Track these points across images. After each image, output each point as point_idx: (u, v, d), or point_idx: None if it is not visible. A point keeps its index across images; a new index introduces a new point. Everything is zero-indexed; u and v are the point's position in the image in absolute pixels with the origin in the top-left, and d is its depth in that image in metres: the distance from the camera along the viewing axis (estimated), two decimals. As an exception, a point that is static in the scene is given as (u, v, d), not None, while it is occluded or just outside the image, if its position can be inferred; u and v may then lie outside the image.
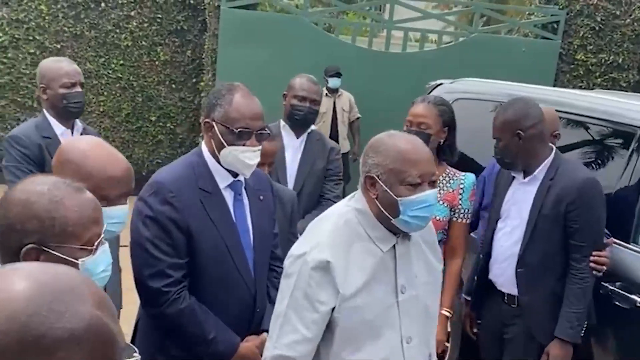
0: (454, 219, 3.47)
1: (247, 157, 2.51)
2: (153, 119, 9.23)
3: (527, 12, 9.53)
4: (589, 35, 8.73)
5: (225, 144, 2.50)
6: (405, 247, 2.27)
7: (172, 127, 9.30)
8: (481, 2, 8.97)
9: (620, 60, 8.78)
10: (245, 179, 2.64)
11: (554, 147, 3.37)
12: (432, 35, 9.92)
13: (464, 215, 3.48)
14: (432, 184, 2.20)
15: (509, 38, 9.26)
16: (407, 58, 8.55)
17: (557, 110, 3.90)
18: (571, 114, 4.12)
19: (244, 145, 2.49)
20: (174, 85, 9.16)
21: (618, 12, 8.67)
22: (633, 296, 3.26)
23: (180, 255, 2.48)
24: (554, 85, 8.66)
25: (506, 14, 10.37)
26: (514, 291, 3.35)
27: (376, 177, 2.18)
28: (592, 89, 8.46)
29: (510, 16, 9.98)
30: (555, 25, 8.67)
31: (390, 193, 2.15)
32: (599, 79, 8.82)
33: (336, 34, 8.94)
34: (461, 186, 3.46)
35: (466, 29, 8.94)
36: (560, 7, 8.65)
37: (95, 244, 1.68)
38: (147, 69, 9.08)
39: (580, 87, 8.60)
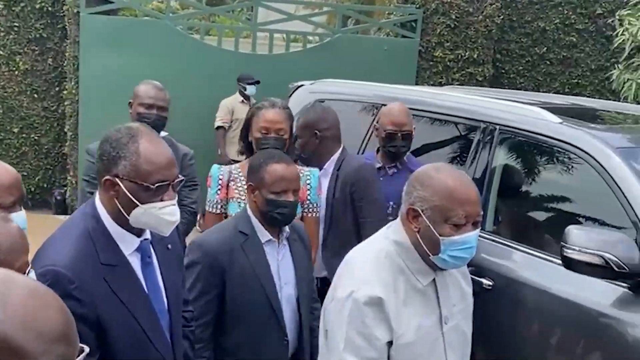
0: (305, 213, 3.61)
1: (168, 213, 2.14)
2: (15, 130, 8.91)
3: (387, 12, 9.86)
4: (446, 33, 9.14)
5: (138, 203, 2.10)
6: (442, 277, 2.24)
7: (36, 137, 9.00)
8: (343, 4, 9.20)
9: (475, 56, 9.25)
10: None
11: (342, 145, 3.89)
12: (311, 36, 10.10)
13: (313, 209, 3.64)
14: (476, 225, 2.14)
15: (371, 38, 9.56)
16: (274, 59, 8.65)
17: (415, 109, 4.18)
18: (421, 110, 4.33)
19: (161, 200, 2.13)
20: (36, 95, 8.87)
21: (471, 9, 9.12)
22: (482, 279, 3.49)
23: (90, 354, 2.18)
24: (416, 82, 9.02)
25: (374, 15, 10.66)
26: (324, 274, 3.67)
27: (420, 211, 2.12)
28: (451, 84, 8.87)
29: (373, 17, 10.26)
30: (414, 24, 9.02)
31: (433, 230, 2.10)
32: (457, 75, 9.25)
33: (201, 37, 8.92)
34: (308, 182, 3.60)
35: (329, 29, 9.15)
36: (417, 6, 9.01)
37: (26, 272, 1.69)
38: (6, 79, 8.76)
39: (440, 83, 8.98)
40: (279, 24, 8.89)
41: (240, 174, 3.50)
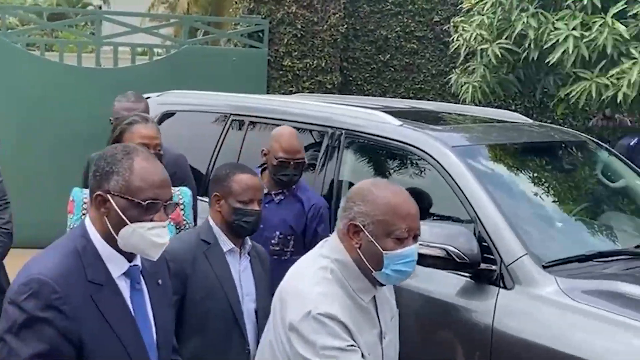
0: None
1: (156, 234, 2.04)
2: None
3: (233, 23, 9.89)
4: (293, 42, 9.28)
5: (128, 221, 2.01)
6: (381, 292, 2.24)
7: None
8: (190, 15, 9.12)
9: (323, 64, 9.45)
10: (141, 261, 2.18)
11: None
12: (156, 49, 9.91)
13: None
14: (415, 239, 2.16)
15: (219, 48, 9.56)
16: (119, 73, 8.44)
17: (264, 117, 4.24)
18: (272, 118, 4.39)
19: (151, 220, 2.04)
20: None
21: (316, 19, 9.32)
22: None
23: None
24: (267, 91, 9.10)
25: (222, 26, 10.65)
26: None
27: (361, 226, 2.11)
28: (302, 92, 9.02)
29: (222, 28, 10.26)
30: (261, 35, 9.10)
31: (376, 245, 2.10)
32: (307, 83, 9.41)
33: (41, 53, 8.56)
34: (181, 201, 3.47)
35: (176, 41, 9.07)
36: (263, 16, 9.10)
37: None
38: None
39: (290, 92, 9.10)
40: (124, 37, 8.69)
41: None
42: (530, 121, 4.62)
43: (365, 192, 2.15)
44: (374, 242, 2.09)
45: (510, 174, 3.84)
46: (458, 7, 8.59)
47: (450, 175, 3.45)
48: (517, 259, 3.19)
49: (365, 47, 10.22)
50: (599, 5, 6.42)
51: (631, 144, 6.76)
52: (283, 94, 8.93)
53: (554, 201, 3.84)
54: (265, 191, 3.59)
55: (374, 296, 2.21)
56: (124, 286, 2.09)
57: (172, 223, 3.36)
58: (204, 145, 4.59)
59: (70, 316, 1.92)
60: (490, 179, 3.55)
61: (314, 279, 2.12)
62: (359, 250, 2.12)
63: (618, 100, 6.25)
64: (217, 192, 2.99)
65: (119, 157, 2.06)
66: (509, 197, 3.61)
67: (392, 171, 3.90)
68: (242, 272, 2.97)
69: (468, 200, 3.37)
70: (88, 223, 2.09)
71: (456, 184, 3.42)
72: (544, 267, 3.18)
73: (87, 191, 3.28)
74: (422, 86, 10.48)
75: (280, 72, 9.32)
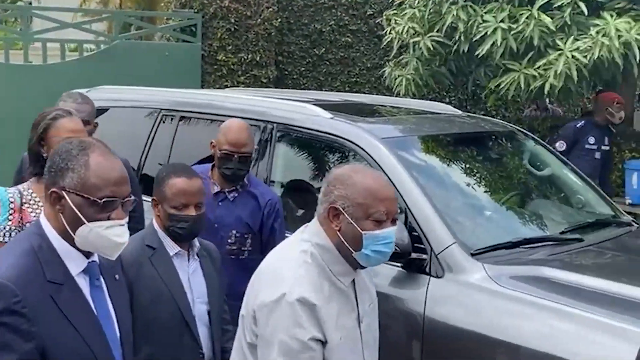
0: None
1: (115, 233, 1.99)
2: None
3: (165, 17, 9.77)
4: (226, 37, 9.23)
5: (85, 220, 1.95)
6: (359, 277, 2.30)
7: None
8: (122, 11, 8.97)
9: (258, 58, 9.42)
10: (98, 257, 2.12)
11: None
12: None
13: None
14: (394, 222, 2.24)
15: (151, 43, 9.44)
16: (48, 70, 8.24)
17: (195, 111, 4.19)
18: (206, 113, 4.35)
19: (109, 219, 1.98)
20: None
21: (249, 13, 9.28)
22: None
23: None
24: (202, 86, 9.03)
25: (156, 21, 10.50)
26: None
27: (341, 209, 2.18)
28: (237, 86, 8.98)
29: (156, 23, 10.12)
30: (194, 29, 9.01)
31: (356, 226, 2.16)
32: (242, 77, 9.37)
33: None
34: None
35: (107, 37, 8.90)
36: (196, 10, 9.01)
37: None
38: None
39: (225, 86, 9.04)
40: (55, 33, 8.49)
41: (34, 195, 3.08)
42: (461, 113, 4.70)
43: (345, 176, 2.22)
44: (354, 223, 2.16)
45: (440, 165, 3.91)
46: (390, 1, 8.67)
47: (380, 166, 3.48)
48: (446, 248, 3.25)
49: (300, 41, 10.24)
50: (525, -2, 6.57)
51: (578, 125, 6.99)
52: (218, 88, 8.88)
53: (483, 190, 3.93)
54: (218, 189, 3.56)
55: (354, 281, 2.27)
56: (83, 283, 2.03)
57: None
58: (135, 141, 4.53)
59: (32, 319, 1.85)
60: (420, 170, 3.61)
61: (293, 262, 2.19)
62: (339, 233, 2.19)
63: (545, 91, 6.42)
64: (154, 197, 2.92)
65: (74, 152, 1.99)
66: (439, 188, 3.67)
67: (324, 164, 3.92)
68: (191, 275, 2.88)
69: (398, 191, 3.40)
70: (43, 220, 2.02)
71: (386, 175, 3.45)
72: (472, 255, 3.25)
73: (12, 190, 3.15)
74: (358, 79, 10.56)
75: (215, 67, 9.26)
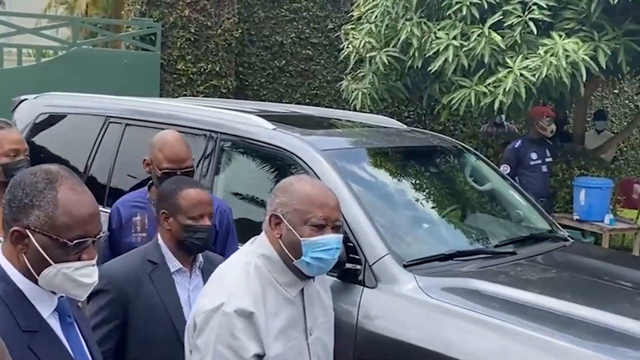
0: None
1: (84, 274, 1.80)
2: None
3: (125, 25, 9.77)
4: (186, 46, 9.27)
5: (51, 261, 1.75)
6: (309, 288, 2.28)
7: None
8: (77, 17, 8.96)
9: (218, 69, 9.47)
10: None
11: None
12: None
13: None
14: (336, 229, 2.22)
15: (111, 51, 9.44)
16: (5, 74, 8.19)
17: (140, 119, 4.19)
18: (151, 121, 4.37)
19: (79, 259, 1.78)
20: None
21: (209, 24, 9.33)
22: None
23: None
24: (160, 95, 9.03)
25: (119, 29, 10.47)
26: None
27: (281, 216, 2.19)
28: (197, 96, 9.00)
29: (120, 30, 10.11)
30: (153, 37, 9.03)
31: (294, 232, 2.17)
32: (201, 87, 9.41)
33: None
34: None
35: (66, 42, 8.88)
36: (155, 19, 9.03)
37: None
38: None
39: (184, 95, 9.07)
40: (14, 37, 8.45)
41: None
42: (405, 127, 4.79)
43: (286, 184, 2.26)
44: (292, 230, 2.17)
45: (379, 177, 3.97)
46: (350, 15, 8.77)
47: (319, 178, 3.52)
48: (380, 259, 3.30)
49: (261, 52, 10.31)
50: (477, 16, 6.70)
51: (516, 146, 7.18)
52: (176, 97, 8.89)
53: (421, 203, 3.99)
54: None
55: (302, 291, 2.26)
56: (55, 324, 1.85)
57: None
58: (82, 149, 4.53)
59: None
60: (358, 182, 3.67)
61: (235, 272, 2.19)
62: (280, 241, 2.20)
63: (495, 107, 6.56)
64: (165, 210, 2.80)
65: (40, 186, 1.76)
66: (376, 199, 3.73)
67: (265, 174, 3.96)
68: (192, 292, 2.78)
69: (335, 203, 3.46)
70: (3, 260, 1.80)
71: (324, 186, 3.51)
72: (405, 266, 3.31)
73: None
74: (318, 92, 10.65)
75: (174, 76, 9.28)
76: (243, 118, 3.99)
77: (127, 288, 2.69)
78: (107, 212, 4.18)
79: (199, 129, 4.07)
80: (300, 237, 2.17)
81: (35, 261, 1.75)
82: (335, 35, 10.21)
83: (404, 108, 11.49)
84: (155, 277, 2.73)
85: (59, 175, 1.80)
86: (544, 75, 6.27)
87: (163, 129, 4.26)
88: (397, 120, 11.16)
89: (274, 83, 10.43)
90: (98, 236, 1.82)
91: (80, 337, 1.93)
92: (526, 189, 7.13)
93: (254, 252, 2.24)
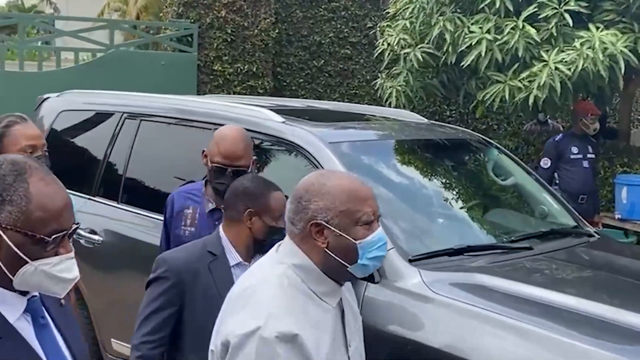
0: None
1: (65, 269, 1.69)
2: None
3: (162, 27, 9.86)
4: (223, 47, 9.29)
5: (28, 259, 1.64)
6: (343, 295, 2.07)
7: None
8: (115, 19, 9.08)
9: (254, 69, 9.47)
10: None
11: None
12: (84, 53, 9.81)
13: None
14: (378, 220, 2.02)
15: (148, 53, 9.51)
16: (43, 77, 8.35)
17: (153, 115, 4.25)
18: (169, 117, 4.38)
19: (56, 254, 1.68)
20: None
21: (246, 24, 9.34)
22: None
23: None
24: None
25: (160, 31, 10.59)
26: None
27: (324, 223, 1.93)
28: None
29: (148, 32, 10.22)
30: (190, 39, 9.08)
31: (347, 237, 1.92)
32: (238, 87, 9.43)
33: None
34: None
35: (104, 45, 9.01)
36: (192, 20, 9.08)
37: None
38: None
39: (221, 96, 9.11)
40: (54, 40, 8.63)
41: None
42: (426, 121, 4.65)
43: (317, 186, 1.97)
44: (343, 235, 1.93)
45: (390, 170, 3.85)
46: (385, 12, 8.65)
47: (323, 168, 3.46)
48: (384, 253, 3.20)
49: (299, 52, 10.27)
50: (512, 9, 6.51)
51: (556, 139, 6.97)
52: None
53: (435, 197, 3.87)
54: (213, 206, 3.21)
55: (341, 300, 2.04)
56: (25, 327, 1.72)
57: None
58: (100, 144, 4.55)
59: None
60: (366, 174, 3.56)
61: (269, 289, 1.92)
62: (327, 250, 1.94)
63: (530, 103, 6.36)
64: (252, 208, 2.79)
65: (9, 180, 1.64)
66: (385, 193, 3.62)
67: (273, 167, 3.89)
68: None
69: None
70: None
71: (330, 179, 3.43)
72: (410, 261, 3.20)
73: None
74: (357, 91, 10.56)
75: (211, 77, 9.32)
76: (252, 111, 3.94)
77: (185, 277, 2.73)
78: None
79: (208, 122, 4.03)
80: (355, 240, 1.93)
81: (9, 260, 1.63)
82: (375, 33, 10.10)
83: (446, 107, 11.30)
84: (214, 268, 2.76)
85: (27, 166, 1.67)
86: (580, 69, 6.04)
87: (175, 124, 4.28)
88: (438, 119, 11.08)
89: (313, 83, 10.38)
90: (72, 228, 1.71)
91: (58, 337, 1.80)
92: (566, 185, 6.98)
93: (283, 263, 1.97)
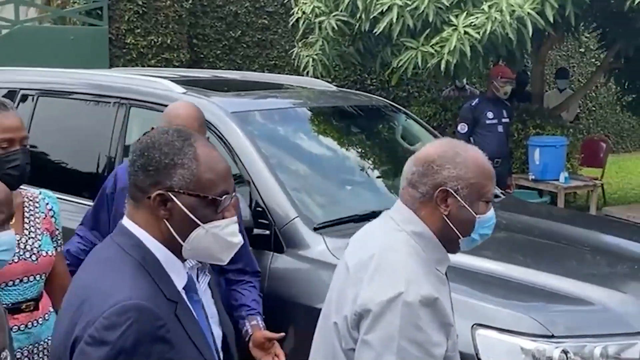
0: (58, 249, 2.75)
1: (231, 233, 1.71)
2: None
3: (71, 1, 9.52)
4: (135, 19, 9.03)
5: (200, 222, 1.65)
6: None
7: None
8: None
9: (169, 41, 9.24)
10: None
11: None
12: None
13: (61, 241, 2.80)
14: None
15: (56, 27, 9.18)
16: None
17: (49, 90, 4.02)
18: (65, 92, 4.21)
19: (223, 217, 1.69)
20: None
21: (158, -5, 9.09)
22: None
23: None
24: (111, 71, 8.83)
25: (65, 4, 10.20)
26: None
27: (453, 191, 1.89)
28: (149, 70, 8.80)
29: (56, 6, 9.85)
30: (100, 12, 8.79)
31: (469, 209, 1.90)
32: (153, 60, 9.19)
33: None
34: (49, 207, 2.74)
35: (8, 21, 8.64)
36: (101, -7, 8.80)
37: None
38: None
39: (135, 70, 8.87)
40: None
41: None
42: (334, 88, 4.62)
43: (451, 153, 1.94)
44: (467, 206, 1.90)
45: (295, 139, 3.82)
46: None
47: (227, 140, 3.39)
48: (289, 222, 3.18)
49: (215, 23, 10.08)
50: (421, -26, 6.50)
51: (472, 104, 7.01)
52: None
53: (340, 165, 3.85)
54: None
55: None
56: (186, 300, 1.74)
57: (46, 233, 2.68)
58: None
59: (174, 344, 1.59)
60: (270, 144, 3.53)
61: (401, 255, 1.89)
62: (446, 218, 1.92)
63: (442, 68, 6.40)
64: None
65: (178, 144, 1.65)
66: (290, 162, 3.59)
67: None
68: (203, 294, 2.47)
69: (244, 166, 3.32)
70: (135, 228, 1.67)
71: (233, 149, 3.37)
72: (315, 229, 3.18)
73: None
74: (277, 62, 10.45)
75: (124, 50, 9.06)
76: (153, 83, 3.83)
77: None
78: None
79: (108, 96, 3.90)
80: (476, 213, 1.91)
81: (181, 225, 1.64)
82: (288, 1, 10.00)
83: (367, 76, 11.32)
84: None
85: (190, 133, 1.70)
86: (488, 32, 6.11)
87: (75, 100, 4.13)
88: (359, 88, 11.08)
89: (231, 54, 10.22)
90: (235, 194, 1.74)
91: (204, 319, 1.81)
92: (481, 149, 7.05)
93: (402, 231, 1.93)
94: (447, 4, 6.37)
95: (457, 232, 1.93)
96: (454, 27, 6.27)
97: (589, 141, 9.72)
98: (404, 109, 4.53)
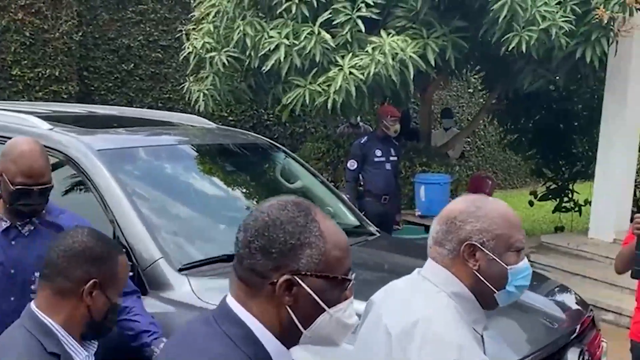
0: None
1: (350, 315, 1.54)
2: None
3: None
4: (22, 51, 8.79)
5: (326, 307, 1.48)
6: None
7: None
8: None
9: (57, 73, 9.02)
10: None
11: None
12: None
13: None
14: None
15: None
16: None
17: None
18: None
19: (346, 298, 1.53)
20: None
21: (46, 27, 8.88)
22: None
23: None
24: (-5, 102, 8.52)
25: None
26: None
27: (479, 245, 1.86)
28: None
29: None
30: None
31: (500, 262, 1.87)
32: (40, 93, 8.95)
33: None
34: None
35: None
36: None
37: None
38: None
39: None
40: None
41: None
42: (214, 126, 4.61)
43: (473, 208, 1.92)
44: (497, 259, 1.88)
45: (165, 177, 3.77)
46: (191, 16, 8.55)
47: (92, 179, 3.32)
48: (152, 263, 3.12)
49: (107, 55, 9.93)
50: (308, 15, 6.63)
51: (362, 141, 7.12)
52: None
53: (209, 204, 3.83)
54: (7, 224, 2.81)
55: None
56: None
57: None
58: None
59: None
60: (136, 183, 3.47)
61: (445, 321, 1.82)
62: (477, 273, 1.89)
63: (329, 106, 6.51)
64: (97, 278, 2.07)
65: (301, 221, 1.48)
66: (160, 201, 3.54)
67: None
68: None
69: (109, 206, 3.25)
70: (253, 321, 1.47)
71: (97, 187, 3.29)
72: (180, 270, 3.14)
73: None
74: (170, 95, 10.37)
75: (9, 82, 8.80)
76: (18, 119, 3.70)
77: None
78: None
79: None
80: (507, 265, 1.89)
81: (305, 311, 1.47)
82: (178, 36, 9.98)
83: (263, 111, 11.36)
84: None
85: (308, 205, 1.53)
86: (372, 73, 6.28)
87: None
88: (256, 123, 11.09)
89: (123, 87, 10.05)
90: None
91: None
92: (370, 186, 7.19)
93: (442, 292, 1.89)
94: (334, 45, 6.51)
95: (491, 287, 1.91)
96: (339, 67, 6.42)
97: (476, 178, 10.05)
98: (283, 147, 4.56)
